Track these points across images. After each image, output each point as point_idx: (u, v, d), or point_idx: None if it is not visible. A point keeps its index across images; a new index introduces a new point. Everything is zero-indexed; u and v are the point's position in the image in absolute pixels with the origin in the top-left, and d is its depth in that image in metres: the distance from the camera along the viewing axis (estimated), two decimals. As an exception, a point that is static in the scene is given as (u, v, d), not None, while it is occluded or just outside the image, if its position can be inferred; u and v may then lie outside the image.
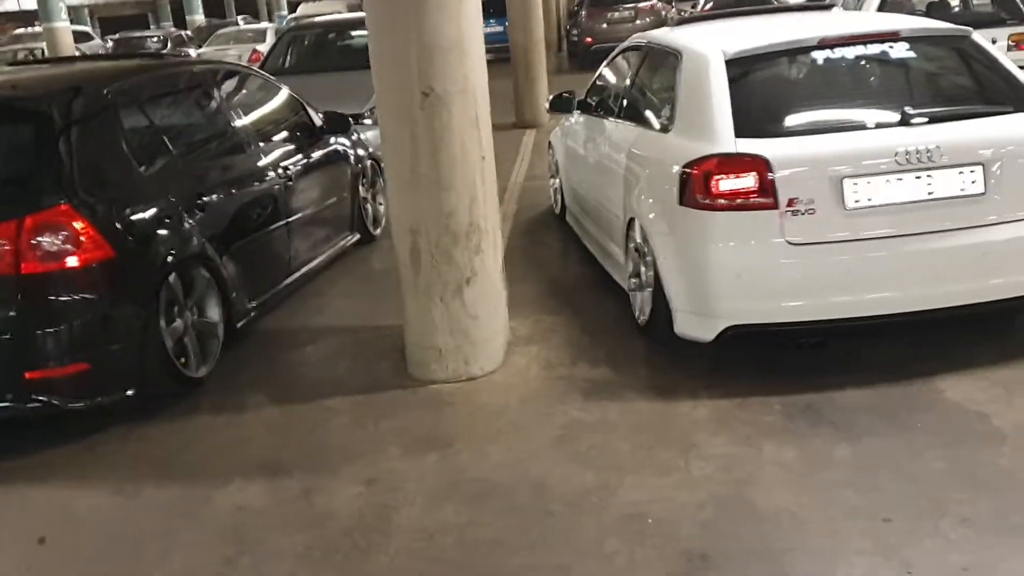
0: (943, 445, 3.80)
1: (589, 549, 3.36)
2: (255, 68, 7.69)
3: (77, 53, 20.84)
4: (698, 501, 3.58)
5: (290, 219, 6.11)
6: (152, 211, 4.82)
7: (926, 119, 4.36)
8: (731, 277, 4.36)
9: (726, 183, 4.30)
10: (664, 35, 5.63)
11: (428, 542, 3.49)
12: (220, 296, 5.24)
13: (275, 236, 5.95)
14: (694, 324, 4.55)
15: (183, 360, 4.91)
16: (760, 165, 4.26)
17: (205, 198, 5.24)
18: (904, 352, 4.61)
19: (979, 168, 4.29)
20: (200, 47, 24.61)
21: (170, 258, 4.81)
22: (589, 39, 19.95)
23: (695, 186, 4.36)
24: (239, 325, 5.43)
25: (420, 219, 4.63)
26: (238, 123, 5.93)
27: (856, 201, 4.27)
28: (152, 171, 5.03)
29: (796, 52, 4.71)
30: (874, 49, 4.67)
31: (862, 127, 4.40)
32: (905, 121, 4.35)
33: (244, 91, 6.37)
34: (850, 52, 4.66)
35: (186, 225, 5.01)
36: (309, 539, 3.58)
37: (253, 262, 5.64)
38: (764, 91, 4.71)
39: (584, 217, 6.61)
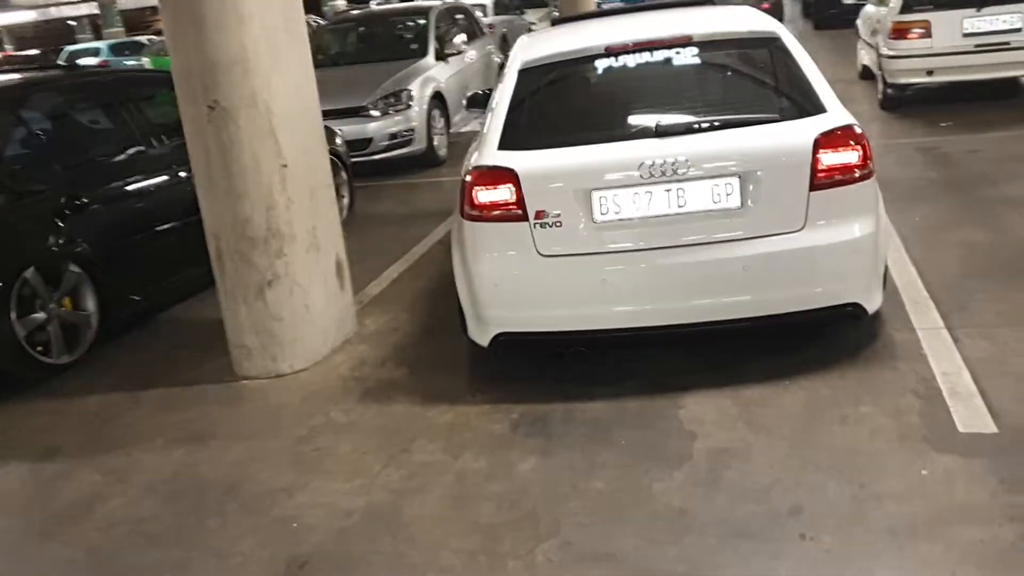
0: (622, 465, 3.78)
1: (222, 549, 3.57)
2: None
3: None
4: (353, 508, 3.72)
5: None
6: (6, 215, 5.28)
7: (681, 130, 4.27)
8: (491, 286, 4.43)
9: (484, 195, 4.36)
10: (522, 39, 5.66)
11: (102, 533, 3.79)
12: (95, 289, 5.66)
13: (178, 232, 6.32)
14: (475, 329, 4.64)
15: (39, 348, 5.35)
16: (510, 178, 4.30)
17: (84, 199, 5.67)
18: (676, 365, 4.54)
19: (735, 181, 4.17)
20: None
21: (23, 257, 5.26)
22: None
23: (464, 197, 4.45)
24: (120, 316, 5.85)
25: (219, 224, 4.91)
26: (140, 129, 6.33)
27: (603, 214, 4.24)
28: (19, 178, 5.51)
29: (581, 61, 4.67)
30: (659, 56, 4.57)
31: (614, 139, 4.34)
32: (659, 132, 4.27)
33: (158, 98, 6.72)
34: (633, 60, 4.58)
35: (52, 225, 5.46)
36: (11, 524, 3.95)
37: (145, 257, 6.06)
38: (539, 101, 4.70)
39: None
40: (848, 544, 3.11)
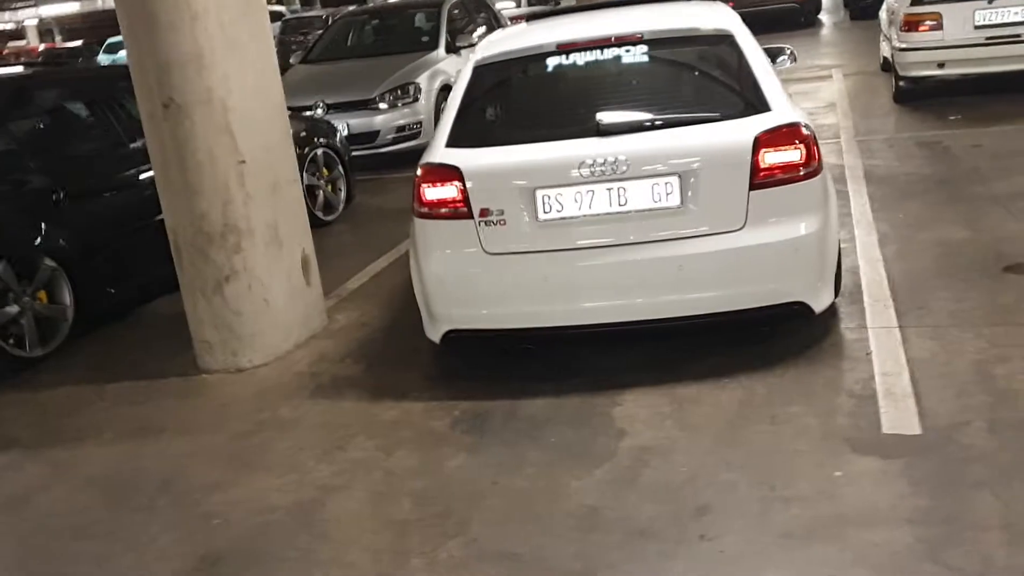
0: (547, 463, 3.78)
1: (143, 542, 3.62)
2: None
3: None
4: (279, 505, 3.75)
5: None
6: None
7: (623, 129, 4.24)
8: (438, 283, 4.45)
9: (431, 192, 4.39)
10: (489, 36, 5.67)
11: (31, 525, 3.87)
12: (71, 283, 5.77)
13: (157, 226, 6.37)
14: (428, 326, 4.66)
15: (12, 341, 5.46)
16: (455, 176, 4.31)
17: (61, 194, 5.79)
18: (624, 362, 4.52)
19: (675, 180, 4.14)
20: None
21: (-7, 252, 5.39)
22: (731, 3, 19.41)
23: (415, 194, 4.47)
24: (96, 309, 5.96)
25: (177, 219, 4.98)
26: (121, 125, 6.43)
27: (546, 212, 4.24)
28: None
29: (533, 58, 4.66)
30: (609, 54, 4.55)
31: (558, 137, 4.32)
32: (601, 132, 4.24)
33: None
34: (583, 58, 4.56)
35: (28, 220, 5.58)
36: (-46, 514, 4.04)
37: (122, 251, 6.15)
38: (490, 99, 4.71)
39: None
40: (744, 545, 3.09)
